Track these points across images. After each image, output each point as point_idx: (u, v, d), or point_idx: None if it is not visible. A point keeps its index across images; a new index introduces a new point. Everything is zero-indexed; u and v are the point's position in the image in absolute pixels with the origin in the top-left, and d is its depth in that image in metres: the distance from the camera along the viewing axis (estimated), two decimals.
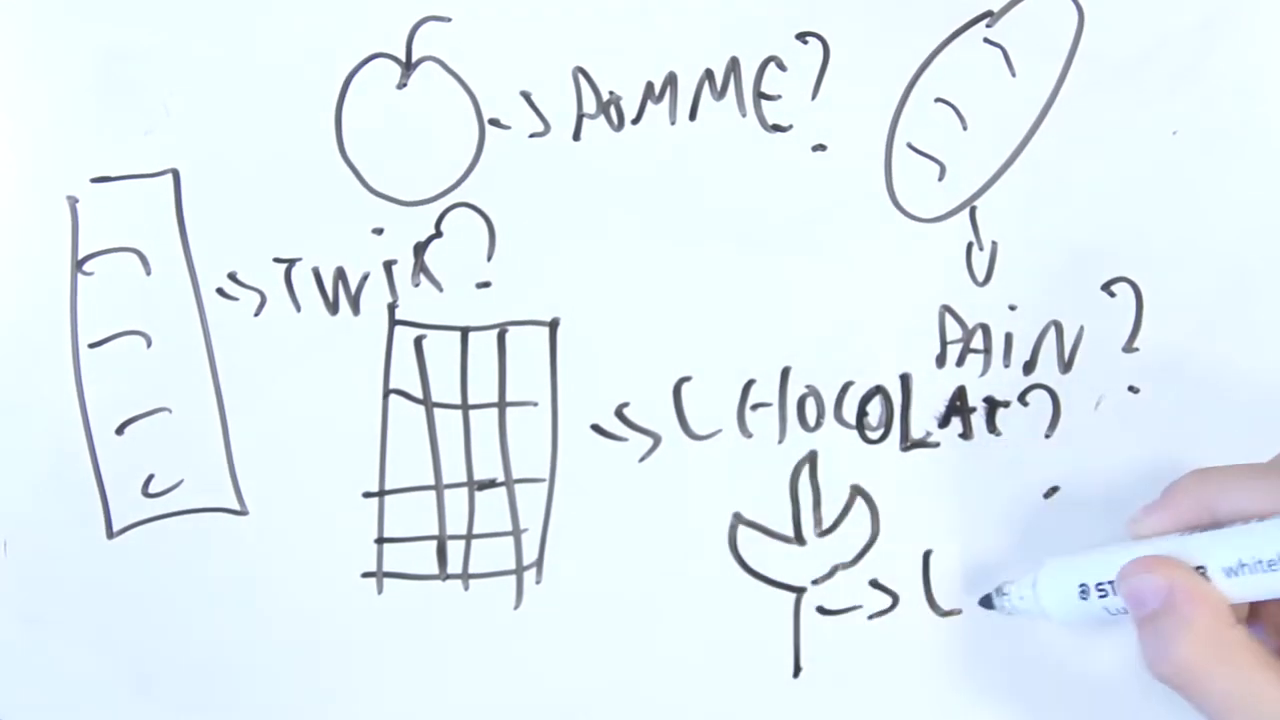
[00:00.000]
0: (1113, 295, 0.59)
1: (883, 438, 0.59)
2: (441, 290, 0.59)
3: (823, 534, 0.59)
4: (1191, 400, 0.59)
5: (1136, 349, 0.59)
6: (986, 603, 0.56)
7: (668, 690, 0.60)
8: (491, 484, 0.59)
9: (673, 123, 0.58)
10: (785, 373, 0.59)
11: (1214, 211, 0.58)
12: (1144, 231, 0.58)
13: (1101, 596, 0.48)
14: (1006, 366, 0.59)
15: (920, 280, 0.59)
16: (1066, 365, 0.59)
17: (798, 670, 0.59)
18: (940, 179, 0.59)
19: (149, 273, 0.59)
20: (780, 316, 0.59)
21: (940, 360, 0.59)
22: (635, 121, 0.58)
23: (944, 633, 0.59)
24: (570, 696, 0.60)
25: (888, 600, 0.59)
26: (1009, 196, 0.58)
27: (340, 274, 0.59)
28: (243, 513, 0.59)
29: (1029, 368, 0.59)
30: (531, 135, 0.58)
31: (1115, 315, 0.59)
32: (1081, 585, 0.49)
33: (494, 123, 0.58)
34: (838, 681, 0.59)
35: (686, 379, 0.59)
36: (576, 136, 0.58)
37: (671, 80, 0.58)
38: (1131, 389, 0.59)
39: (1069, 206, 0.59)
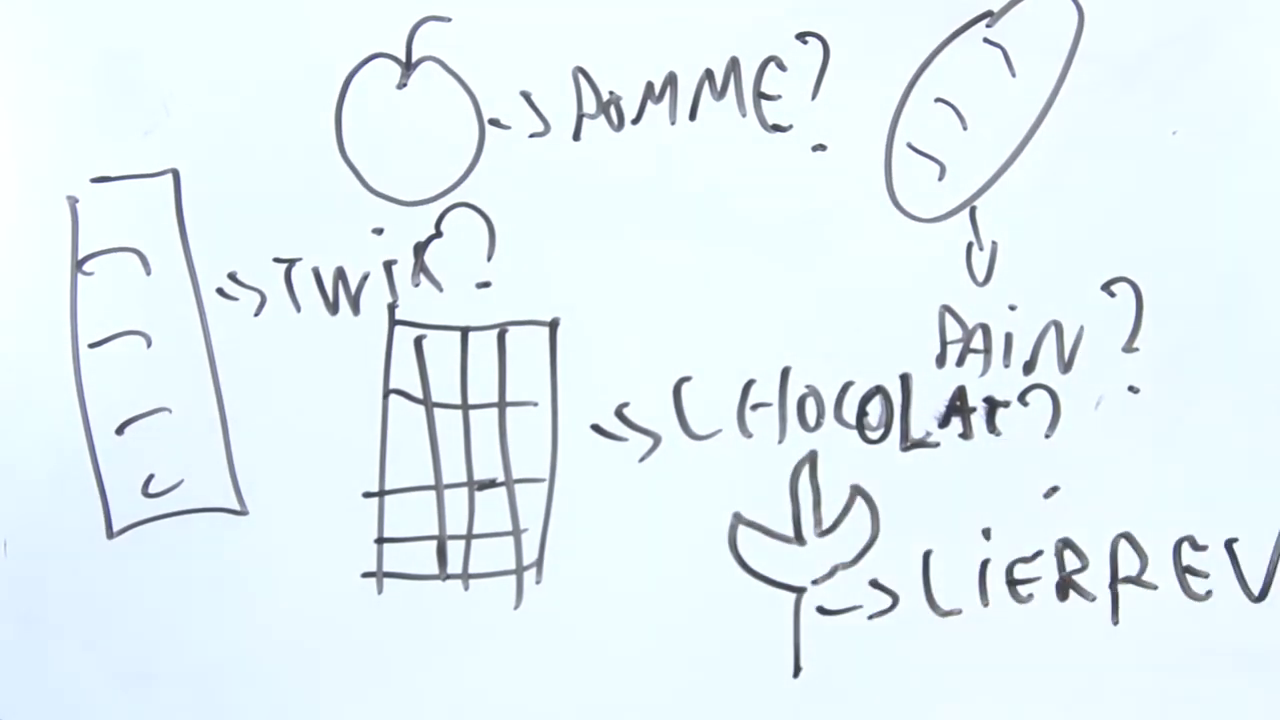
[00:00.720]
0: (1113, 295, 0.59)
1: (883, 438, 0.59)
2: (441, 290, 0.59)
3: (823, 534, 0.59)
4: (1191, 400, 0.59)
5: (1136, 349, 0.59)
6: None
7: (668, 690, 0.60)
8: (491, 484, 0.59)
9: (673, 123, 0.58)
10: (785, 373, 0.59)
11: (1214, 211, 0.58)
12: (1144, 231, 0.58)
13: None
14: (1006, 366, 0.59)
15: (920, 280, 0.59)
16: (1066, 365, 0.59)
17: (798, 670, 0.60)
18: (940, 179, 0.58)
19: (149, 273, 0.59)
20: (780, 316, 0.59)
21: (940, 360, 0.59)
22: (635, 121, 0.58)
23: (944, 633, 0.59)
24: (570, 696, 0.60)
25: (888, 600, 0.59)
26: (1009, 196, 0.58)
27: (340, 274, 0.59)
28: (243, 513, 0.59)
29: (1029, 368, 0.59)
30: (531, 135, 0.58)
31: (1115, 315, 0.59)
32: None
33: (494, 123, 0.58)
34: (838, 681, 0.59)
35: (686, 379, 0.59)
36: (576, 136, 0.58)
37: (671, 80, 0.58)
38: (1131, 389, 0.59)
39: (1069, 206, 0.59)
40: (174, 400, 0.59)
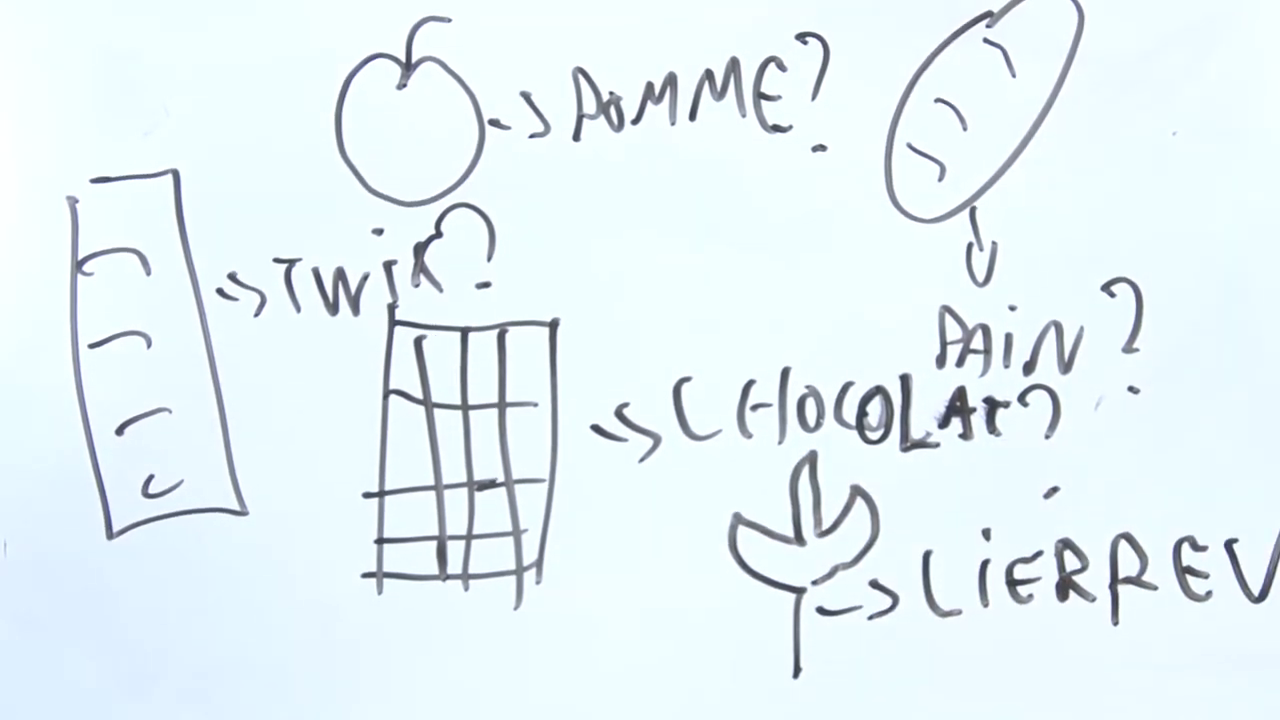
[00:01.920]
0: (1113, 295, 0.59)
1: (883, 438, 0.59)
2: (441, 291, 0.59)
3: (823, 534, 0.59)
4: (1191, 400, 0.59)
5: (1136, 349, 0.59)
6: None
7: (668, 690, 0.60)
8: (491, 484, 0.59)
9: (673, 123, 0.58)
10: (785, 373, 0.59)
11: (1214, 212, 0.58)
12: (1144, 232, 0.58)
13: None
14: (1006, 367, 0.59)
15: (920, 280, 0.59)
16: (1066, 366, 0.59)
17: (798, 671, 0.60)
18: (940, 179, 0.59)
19: (149, 273, 0.59)
20: (780, 316, 0.59)
21: (940, 360, 0.59)
22: (635, 122, 0.58)
23: (944, 633, 0.59)
24: (570, 697, 0.60)
25: (888, 601, 0.59)
26: (1009, 196, 0.58)
27: (340, 274, 0.59)
28: (243, 513, 0.59)
29: (1029, 368, 0.59)
30: (531, 135, 0.58)
31: (1115, 315, 0.59)
32: None
33: (494, 123, 0.58)
34: (838, 682, 0.59)
35: (686, 379, 0.59)
36: (576, 137, 0.58)
37: (671, 81, 0.58)
38: (1131, 389, 0.59)
39: (1069, 206, 0.59)
40: (174, 400, 0.59)
